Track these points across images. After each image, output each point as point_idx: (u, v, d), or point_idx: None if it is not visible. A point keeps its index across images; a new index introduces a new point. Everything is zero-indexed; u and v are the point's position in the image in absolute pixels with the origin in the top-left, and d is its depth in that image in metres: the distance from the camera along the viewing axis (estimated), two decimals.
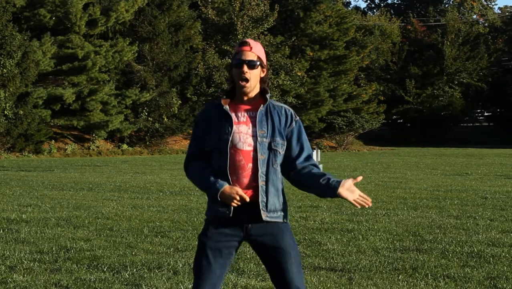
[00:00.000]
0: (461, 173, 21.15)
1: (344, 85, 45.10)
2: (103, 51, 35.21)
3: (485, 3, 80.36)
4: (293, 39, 43.16)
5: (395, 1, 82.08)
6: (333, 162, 28.05)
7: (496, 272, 6.89)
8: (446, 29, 55.52)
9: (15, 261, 7.37)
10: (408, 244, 8.40)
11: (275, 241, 3.99)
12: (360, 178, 3.94)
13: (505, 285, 6.40)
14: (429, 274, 6.81)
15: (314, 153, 14.58)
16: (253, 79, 3.98)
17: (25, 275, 6.74)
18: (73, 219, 10.46)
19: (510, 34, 63.31)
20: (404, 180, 18.23)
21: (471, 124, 61.71)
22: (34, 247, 8.18)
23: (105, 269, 6.97)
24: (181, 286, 6.30)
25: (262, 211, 3.93)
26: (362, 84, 50.11)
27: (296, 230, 9.31)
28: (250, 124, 3.99)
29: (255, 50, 4.01)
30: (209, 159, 4.00)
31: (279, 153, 4.00)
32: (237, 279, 6.55)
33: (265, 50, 4.20)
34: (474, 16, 75.20)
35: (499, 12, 77.14)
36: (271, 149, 3.98)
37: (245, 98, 4.03)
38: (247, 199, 3.88)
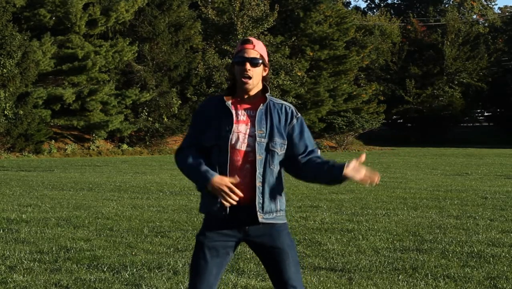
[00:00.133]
0: (461, 173, 21.15)
1: (344, 85, 45.11)
2: (103, 51, 35.21)
3: (485, 3, 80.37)
4: (293, 39, 43.16)
5: (395, 1, 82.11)
6: None
7: (496, 272, 6.89)
8: (446, 29, 55.53)
9: (15, 261, 7.36)
10: (408, 244, 8.40)
11: (273, 241, 3.99)
12: (363, 156, 3.90)
13: (505, 285, 6.40)
14: (429, 274, 6.81)
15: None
16: (255, 77, 3.96)
17: (25, 275, 6.73)
18: (73, 219, 10.45)
19: (510, 34, 63.31)
20: (404, 180, 18.23)
21: (471, 124, 61.72)
22: (34, 247, 8.18)
23: (105, 269, 6.97)
24: (181, 286, 6.30)
25: (258, 213, 3.92)
26: (362, 84, 50.12)
27: (296, 230, 9.31)
28: (249, 124, 3.97)
29: (258, 49, 3.99)
30: (209, 155, 3.96)
31: (277, 153, 3.98)
32: (237, 279, 6.55)
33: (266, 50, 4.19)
34: (474, 16, 75.21)
35: (499, 12, 77.16)
36: (268, 150, 3.96)
37: (246, 96, 4.01)
38: (240, 194, 3.82)
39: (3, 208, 11.80)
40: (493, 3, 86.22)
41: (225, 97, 4.00)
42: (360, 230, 9.45)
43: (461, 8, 77.72)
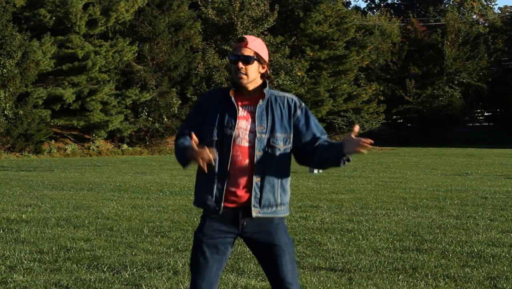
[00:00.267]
0: (461, 173, 21.15)
1: (344, 85, 45.13)
2: (103, 51, 35.22)
3: (485, 3, 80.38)
4: (293, 39, 43.17)
5: (395, 1, 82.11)
6: None
7: (496, 272, 6.89)
8: (446, 29, 55.56)
9: (15, 261, 7.36)
10: (408, 244, 8.39)
11: (270, 238, 3.99)
12: (357, 128, 3.89)
13: (505, 285, 6.40)
14: (429, 274, 6.81)
15: None
16: (250, 74, 3.96)
17: (25, 275, 6.73)
18: (73, 219, 10.45)
19: (510, 34, 63.33)
20: (404, 180, 18.23)
21: (471, 124, 61.76)
22: (34, 247, 8.18)
23: (105, 269, 6.97)
24: (181, 286, 6.30)
25: (253, 208, 3.92)
26: (362, 84, 50.15)
27: (296, 230, 9.31)
28: (250, 120, 3.97)
29: (251, 46, 3.98)
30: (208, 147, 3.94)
31: (279, 149, 3.97)
32: (237, 279, 6.55)
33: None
34: (474, 16, 75.25)
35: (499, 12, 77.18)
36: (269, 146, 3.96)
37: (245, 92, 4.01)
38: (211, 156, 3.76)
39: (3, 208, 11.80)
40: (493, 3, 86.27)
41: (230, 93, 4.00)
42: (360, 230, 9.45)
43: (461, 8, 77.75)
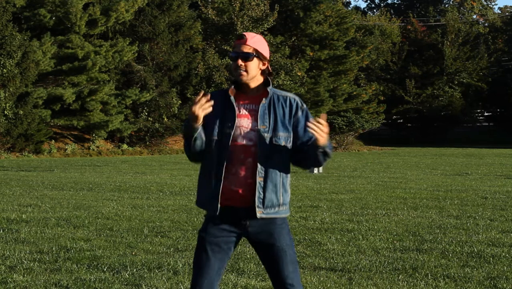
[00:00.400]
0: (461, 173, 21.15)
1: (344, 85, 45.11)
2: (103, 51, 35.22)
3: (485, 3, 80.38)
4: (293, 39, 43.16)
5: (395, 1, 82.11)
6: (333, 162, 28.03)
7: (496, 272, 6.89)
8: (446, 29, 55.56)
9: (15, 261, 7.36)
10: (408, 244, 8.39)
11: (272, 239, 3.98)
12: (324, 116, 3.87)
13: (505, 285, 6.40)
14: (429, 274, 6.81)
15: None
16: (250, 71, 3.95)
17: (25, 275, 6.73)
18: (73, 219, 10.45)
19: (510, 34, 63.33)
20: (404, 180, 18.23)
21: (471, 124, 61.79)
22: (34, 247, 8.18)
23: (105, 269, 6.97)
24: (181, 286, 6.30)
25: (257, 208, 3.91)
26: (362, 84, 50.14)
27: (296, 230, 9.31)
28: (252, 118, 3.95)
29: (251, 43, 3.96)
30: (209, 148, 3.95)
31: (280, 148, 3.95)
32: (237, 279, 6.55)
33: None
34: (474, 16, 75.25)
35: (499, 12, 77.18)
36: (272, 144, 3.94)
37: (247, 90, 3.99)
38: (200, 96, 3.81)
39: (3, 208, 11.80)
40: (493, 3, 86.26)
41: (230, 91, 3.99)
42: (360, 230, 9.45)
43: (461, 8, 77.76)
